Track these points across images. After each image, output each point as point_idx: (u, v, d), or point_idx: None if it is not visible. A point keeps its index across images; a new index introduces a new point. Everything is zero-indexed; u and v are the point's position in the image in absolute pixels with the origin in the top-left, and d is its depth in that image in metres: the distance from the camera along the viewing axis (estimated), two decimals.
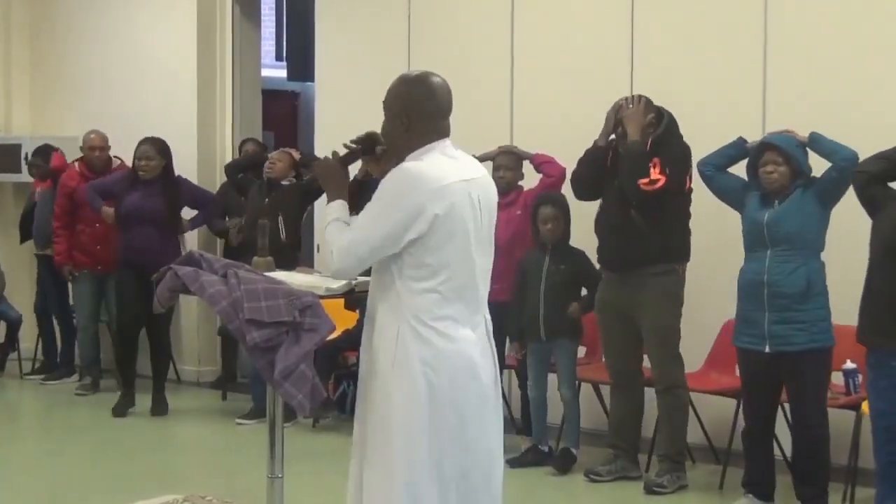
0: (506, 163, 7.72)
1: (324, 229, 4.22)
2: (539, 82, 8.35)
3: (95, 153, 9.51)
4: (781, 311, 6.13)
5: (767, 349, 6.20)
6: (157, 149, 8.88)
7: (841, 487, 6.49)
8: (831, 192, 6.20)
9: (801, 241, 6.18)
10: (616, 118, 6.90)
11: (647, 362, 7.04)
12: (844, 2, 7.27)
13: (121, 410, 8.82)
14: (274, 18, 13.36)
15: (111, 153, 9.68)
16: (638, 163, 6.70)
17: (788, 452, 6.56)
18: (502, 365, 7.58)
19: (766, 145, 6.36)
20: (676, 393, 6.85)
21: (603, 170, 6.92)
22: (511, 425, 7.71)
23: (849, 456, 6.53)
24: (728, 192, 6.54)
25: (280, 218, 8.28)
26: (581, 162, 7.02)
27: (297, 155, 8.81)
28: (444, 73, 8.35)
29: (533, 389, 7.34)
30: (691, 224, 6.95)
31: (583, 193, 7.11)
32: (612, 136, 6.98)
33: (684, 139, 6.87)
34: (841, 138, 6.22)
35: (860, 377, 6.58)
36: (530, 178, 7.74)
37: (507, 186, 7.62)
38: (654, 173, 6.66)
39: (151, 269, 8.38)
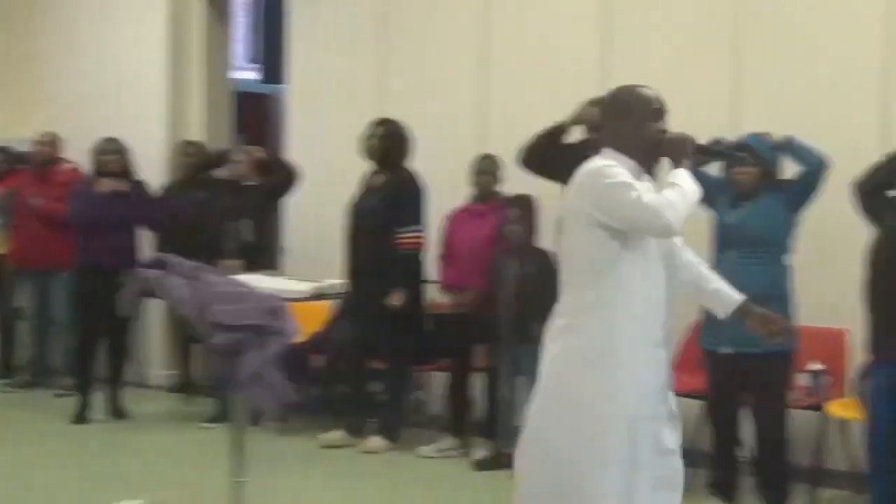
0: (484, 167, 7.73)
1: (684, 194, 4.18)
2: (513, 86, 8.36)
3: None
4: None
5: (730, 350, 6.22)
6: (118, 145, 8.81)
7: (805, 488, 6.50)
8: (800, 196, 6.24)
9: (766, 242, 6.20)
10: (589, 120, 6.93)
11: None
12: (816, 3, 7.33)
13: (82, 417, 8.71)
14: (246, 21, 13.34)
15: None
16: None
17: (751, 454, 6.57)
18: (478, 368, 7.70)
19: (738, 145, 6.40)
20: None
21: (557, 145, 6.96)
22: (476, 429, 7.77)
23: (813, 457, 6.56)
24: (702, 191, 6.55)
25: (246, 220, 8.24)
26: (538, 133, 7.01)
27: (260, 154, 8.78)
28: (416, 78, 8.67)
29: (503, 391, 7.36)
30: None
31: (530, 162, 7.06)
32: (582, 137, 7.03)
33: None
34: (812, 141, 6.24)
35: (826, 378, 6.61)
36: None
37: (485, 192, 7.66)
38: None
39: (116, 271, 8.54)
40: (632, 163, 4.19)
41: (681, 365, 7.17)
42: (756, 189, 6.28)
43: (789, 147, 6.29)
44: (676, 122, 7.07)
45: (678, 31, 7.74)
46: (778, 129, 6.39)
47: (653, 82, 7.41)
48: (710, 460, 6.51)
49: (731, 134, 6.90)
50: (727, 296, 4.49)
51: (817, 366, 6.61)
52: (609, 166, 4.15)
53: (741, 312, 4.48)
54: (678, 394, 6.87)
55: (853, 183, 5.97)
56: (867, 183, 5.92)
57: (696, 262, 4.45)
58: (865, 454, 5.98)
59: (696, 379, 6.72)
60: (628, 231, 4.10)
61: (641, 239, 4.14)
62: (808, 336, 6.34)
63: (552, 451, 4.21)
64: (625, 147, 4.21)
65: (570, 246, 4.24)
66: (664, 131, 4.25)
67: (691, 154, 4.23)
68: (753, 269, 6.14)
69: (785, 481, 6.29)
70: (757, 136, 6.38)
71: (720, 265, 6.25)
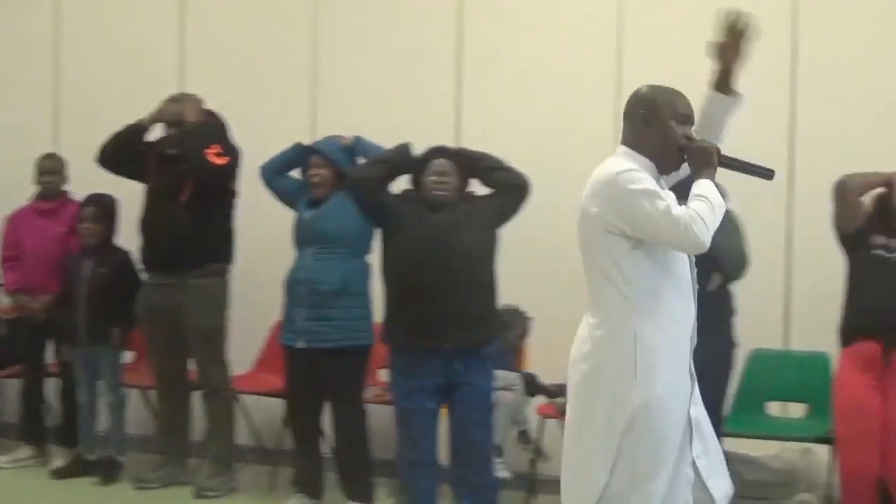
0: (48, 167, 7.47)
1: (712, 207, 3.85)
2: (90, 83, 8.08)
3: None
4: (317, 307, 6.21)
5: (303, 345, 6.26)
6: None
7: (388, 482, 6.59)
8: None
9: (340, 240, 6.28)
10: (168, 120, 6.85)
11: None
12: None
13: None
14: None
15: None
16: (200, 137, 6.70)
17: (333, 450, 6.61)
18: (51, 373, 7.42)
19: (311, 149, 6.47)
20: (222, 396, 6.85)
21: (133, 143, 6.89)
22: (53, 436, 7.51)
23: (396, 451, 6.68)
24: (286, 194, 6.59)
25: None
26: (116, 132, 6.93)
27: None
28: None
29: (81, 396, 7.13)
30: (244, 225, 6.98)
31: (108, 161, 6.96)
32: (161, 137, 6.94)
33: (236, 142, 6.89)
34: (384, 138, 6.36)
35: None
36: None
37: (50, 192, 7.43)
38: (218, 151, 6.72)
39: None
40: (650, 164, 3.94)
41: (262, 363, 7.23)
42: (328, 190, 6.37)
43: (358, 146, 6.41)
44: (258, 121, 7.21)
45: (253, 29, 7.74)
46: (350, 130, 6.54)
47: (231, 82, 7.57)
48: (294, 457, 6.55)
49: (309, 135, 6.99)
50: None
51: None
52: (630, 170, 3.86)
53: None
54: (260, 393, 6.99)
55: (353, 177, 6.05)
56: (368, 177, 5.96)
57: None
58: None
59: (278, 378, 6.72)
60: (652, 242, 3.87)
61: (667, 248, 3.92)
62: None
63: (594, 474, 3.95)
64: (644, 148, 3.96)
65: (591, 259, 3.95)
66: (690, 137, 3.97)
67: (716, 164, 3.94)
68: (329, 265, 6.24)
69: (368, 476, 6.38)
70: (327, 139, 6.48)
71: (300, 261, 6.33)
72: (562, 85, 7.13)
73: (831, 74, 6.73)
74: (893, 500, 5.43)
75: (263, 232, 7.16)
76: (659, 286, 3.89)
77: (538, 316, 6.87)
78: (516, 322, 6.78)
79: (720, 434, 5.71)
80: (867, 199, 5.69)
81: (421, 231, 5.73)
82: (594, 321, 3.97)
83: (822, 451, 6.19)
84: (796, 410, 6.55)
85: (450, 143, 6.44)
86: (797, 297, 6.74)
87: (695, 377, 4.01)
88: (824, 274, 6.24)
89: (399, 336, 5.76)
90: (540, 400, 6.70)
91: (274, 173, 6.61)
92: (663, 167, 3.99)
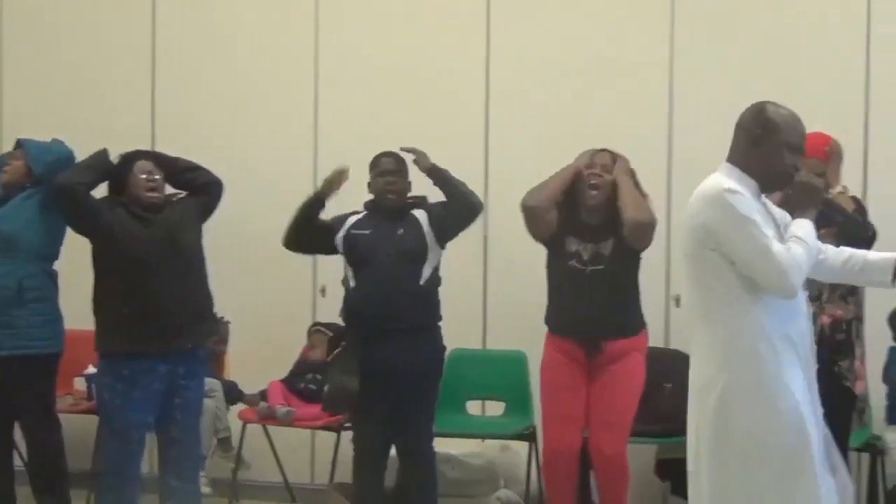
0: None
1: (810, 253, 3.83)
2: None
3: None
4: None
5: None
6: None
7: (85, 494, 6.46)
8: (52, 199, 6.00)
9: (15, 243, 5.99)
10: None
11: None
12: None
13: None
14: None
15: None
16: None
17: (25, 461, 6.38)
18: None
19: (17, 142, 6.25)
20: None
21: None
22: None
23: (92, 461, 6.50)
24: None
25: None
26: None
27: None
28: None
29: None
30: None
31: None
32: None
33: None
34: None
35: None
36: None
37: None
38: None
39: None
40: (754, 184, 3.87)
41: None
42: (19, 182, 6.11)
43: (26, 146, 6.18)
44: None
45: None
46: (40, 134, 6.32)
47: None
48: None
49: None
50: (882, 260, 4.06)
51: (94, 370, 6.53)
52: (737, 192, 3.78)
53: None
54: None
55: (62, 184, 5.81)
56: (79, 183, 5.77)
57: (833, 249, 4.12)
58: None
59: None
60: (742, 271, 3.77)
61: None
62: (86, 340, 6.22)
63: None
64: (750, 167, 3.87)
65: (695, 274, 3.87)
66: (798, 168, 3.92)
67: (819, 204, 3.94)
68: (3, 271, 5.96)
69: (62, 487, 6.16)
70: (33, 141, 6.21)
71: None
72: (262, 87, 7.17)
73: (520, 80, 6.87)
74: (591, 469, 5.67)
75: None
76: (763, 301, 3.81)
77: (234, 322, 6.84)
78: (217, 326, 6.69)
79: (432, 434, 5.83)
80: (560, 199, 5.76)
81: (148, 233, 5.57)
82: (713, 352, 3.88)
83: (521, 448, 6.33)
84: (495, 409, 6.68)
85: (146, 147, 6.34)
86: (493, 299, 6.87)
87: (818, 398, 3.95)
88: (518, 276, 6.44)
89: (133, 341, 5.51)
90: (239, 407, 6.64)
91: None
92: (766, 189, 3.96)
